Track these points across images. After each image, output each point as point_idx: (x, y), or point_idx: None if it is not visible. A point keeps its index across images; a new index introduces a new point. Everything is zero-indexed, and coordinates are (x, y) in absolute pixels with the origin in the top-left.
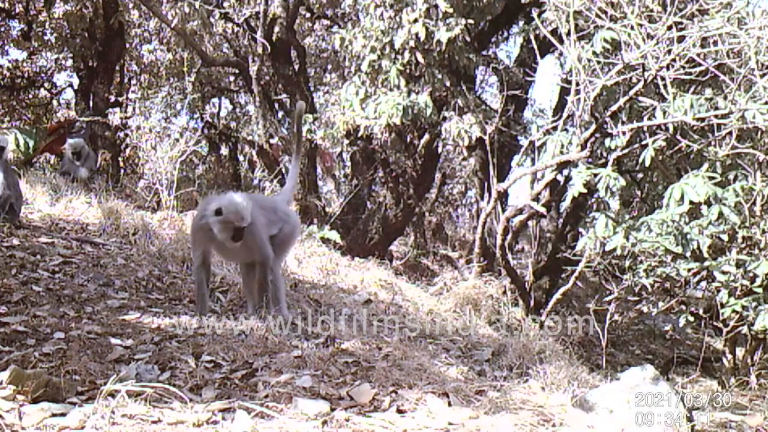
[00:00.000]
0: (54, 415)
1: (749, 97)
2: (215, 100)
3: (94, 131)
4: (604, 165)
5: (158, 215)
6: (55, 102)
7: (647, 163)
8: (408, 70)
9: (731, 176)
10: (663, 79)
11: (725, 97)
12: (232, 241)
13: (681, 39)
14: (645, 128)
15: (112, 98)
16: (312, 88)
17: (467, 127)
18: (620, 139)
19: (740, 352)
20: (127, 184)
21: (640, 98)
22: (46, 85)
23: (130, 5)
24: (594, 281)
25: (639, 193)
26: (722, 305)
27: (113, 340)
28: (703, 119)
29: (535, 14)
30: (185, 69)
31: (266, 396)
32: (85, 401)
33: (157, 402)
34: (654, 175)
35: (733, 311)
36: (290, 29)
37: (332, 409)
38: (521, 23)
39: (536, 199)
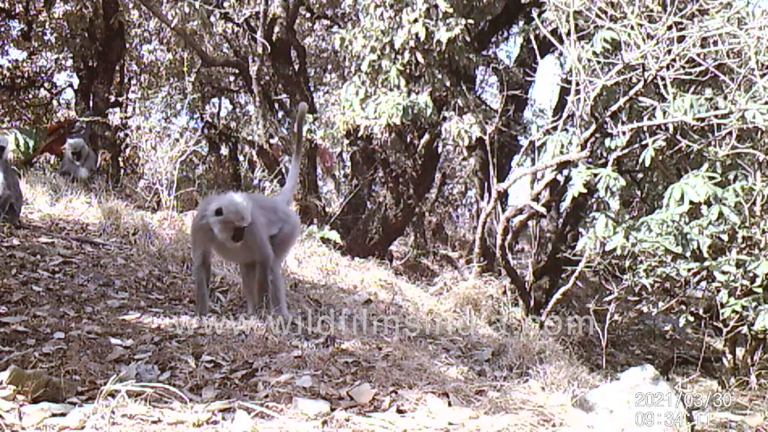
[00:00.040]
0: (54, 415)
1: (749, 97)
2: (215, 100)
3: (94, 131)
4: (604, 165)
5: (158, 215)
6: (55, 102)
7: (647, 163)
8: (408, 70)
9: (731, 176)
10: (663, 79)
11: (725, 97)
12: (232, 241)
13: (681, 39)
14: (645, 128)
15: (112, 98)
16: (312, 88)
17: (467, 127)
18: (620, 139)
19: (740, 352)
20: (127, 184)
21: (640, 98)
22: (46, 85)
23: (130, 5)
24: (594, 281)
25: (639, 193)
26: (722, 305)
27: (113, 340)
28: (703, 119)
29: (535, 14)
30: (185, 69)
31: (266, 396)
32: (85, 401)
33: (157, 402)
34: (654, 175)
35: (733, 311)
36: (290, 29)
37: (332, 409)
38: (521, 23)
39: (536, 199)
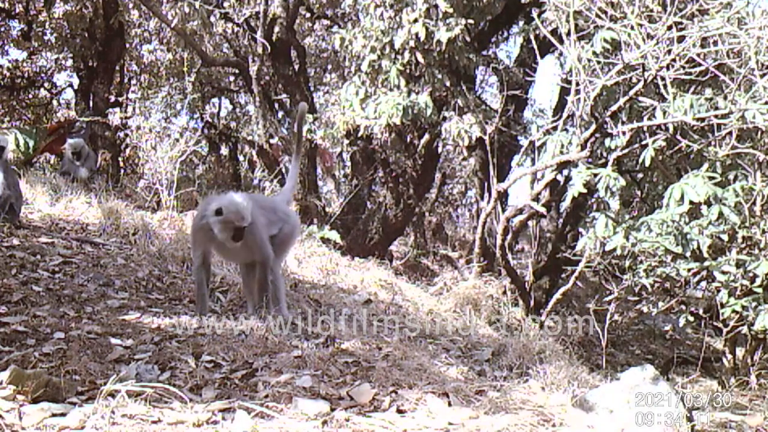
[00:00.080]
0: (54, 415)
1: (749, 97)
2: (215, 100)
3: (94, 131)
4: (604, 165)
5: (158, 215)
6: (55, 102)
7: (647, 163)
8: (408, 70)
9: (731, 176)
10: (663, 79)
11: (725, 97)
12: (232, 241)
13: (681, 39)
14: (645, 128)
15: (112, 98)
16: (312, 88)
17: (467, 127)
18: (620, 139)
19: (740, 352)
20: (127, 184)
21: (640, 98)
22: (46, 85)
23: (130, 5)
24: (594, 281)
25: (639, 193)
26: (722, 305)
27: (113, 340)
28: (703, 119)
29: (535, 14)
30: (185, 69)
31: (266, 396)
32: (85, 401)
33: (157, 402)
34: (654, 175)
35: (733, 311)
36: (290, 29)
37: (332, 409)
38: (521, 23)
39: (536, 199)
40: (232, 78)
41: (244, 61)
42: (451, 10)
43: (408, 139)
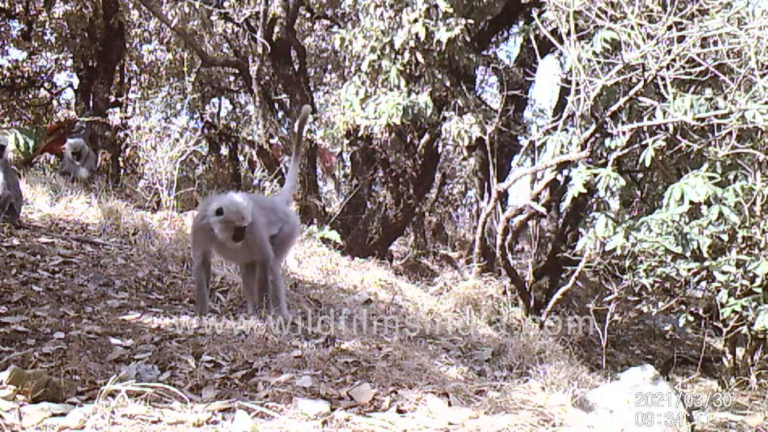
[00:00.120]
0: (54, 415)
1: (749, 97)
2: (215, 100)
3: (94, 131)
4: (604, 165)
5: (158, 215)
6: (55, 102)
7: (647, 163)
8: (408, 70)
9: (731, 176)
10: (663, 79)
11: (725, 97)
12: (233, 241)
13: (681, 39)
14: (645, 128)
15: (112, 98)
16: (312, 88)
17: (467, 127)
18: (620, 139)
19: (740, 352)
20: (127, 184)
21: (640, 98)
22: (46, 85)
23: (130, 5)
24: (594, 281)
25: (639, 193)
26: (722, 305)
27: (113, 340)
28: (703, 119)
29: (535, 14)
30: (185, 69)
31: (266, 396)
32: (85, 401)
33: (157, 402)
34: (654, 175)
35: (733, 311)
36: (290, 29)
37: (332, 409)
38: (521, 23)
39: (536, 199)
40: (232, 78)
41: (244, 61)
42: (451, 10)
43: (408, 139)
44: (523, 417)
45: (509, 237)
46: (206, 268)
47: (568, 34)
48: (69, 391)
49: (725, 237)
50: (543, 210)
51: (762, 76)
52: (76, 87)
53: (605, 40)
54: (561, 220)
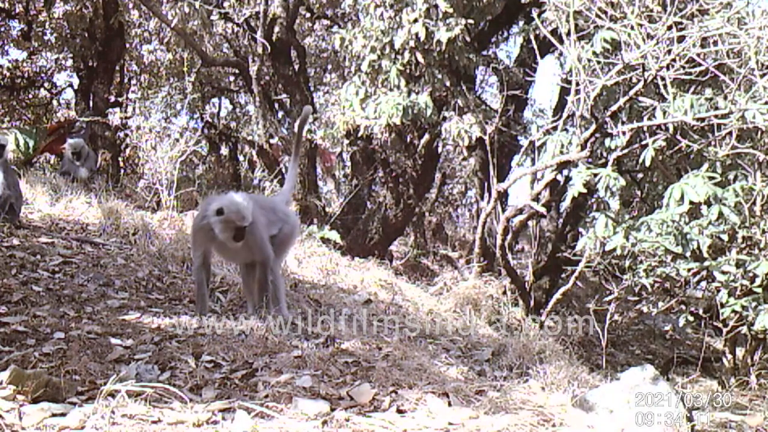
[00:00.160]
0: (54, 415)
1: (749, 97)
2: (215, 100)
3: (94, 131)
4: (604, 165)
5: (158, 215)
6: (55, 102)
7: (647, 163)
8: (408, 70)
9: (731, 176)
10: (663, 79)
11: (725, 97)
12: (233, 241)
13: (681, 39)
14: (645, 128)
15: (112, 98)
16: (312, 88)
17: (467, 127)
18: (620, 139)
19: (740, 352)
20: (127, 184)
21: (640, 98)
22: (46, 85)
23: (130, 5)
24: (594, 281)
25: (639, 193)
26: (722, 305)
27: (113, 340)
28: (703, 119)
29: (535, 14)
30: (185, 69)
31: (266, 396)
32: (85, 401)
33: (157, 402)
34: (654, 175)
35: (733, 311)
36: (290, 29)
37: (332, 409)
38: (521, 23)
39: (536, 199)
40: (232, 78)
41: (244, 61)
42: (451, 10)
43: (408, 139)
44: (523, 417)
45: (509, 237)
46: (206, 268)
47: (568, 34)
48: (69, 391)
49: (725, 237)
50: (543, 210)
51: (762, 76)
52: (76, 87)
53: (605, 40)
54: (561, 220)
